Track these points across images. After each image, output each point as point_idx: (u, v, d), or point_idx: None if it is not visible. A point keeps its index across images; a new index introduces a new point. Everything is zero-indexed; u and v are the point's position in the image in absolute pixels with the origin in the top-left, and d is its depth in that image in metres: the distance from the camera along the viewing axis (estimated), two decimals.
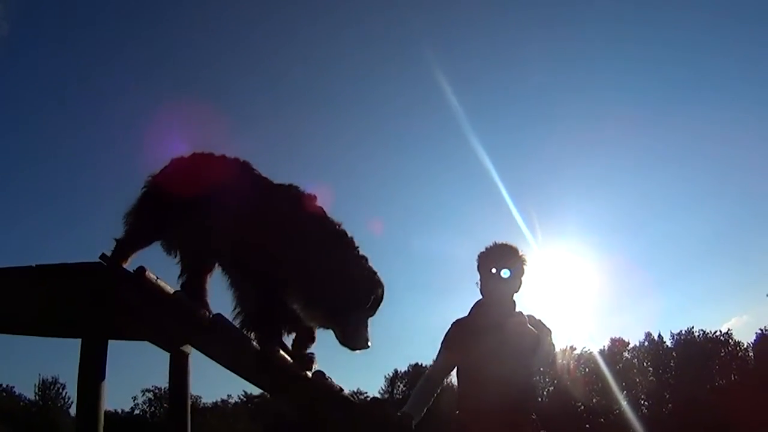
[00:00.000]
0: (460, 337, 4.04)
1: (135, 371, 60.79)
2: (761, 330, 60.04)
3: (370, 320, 3.59)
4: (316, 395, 3.57)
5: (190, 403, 3.87)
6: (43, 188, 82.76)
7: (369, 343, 3.51)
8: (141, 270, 3.42)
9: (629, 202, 78.71)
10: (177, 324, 3.53)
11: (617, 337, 62.21)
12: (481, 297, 4.13)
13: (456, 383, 4.15)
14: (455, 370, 4.08)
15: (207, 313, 3.63)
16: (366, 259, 3.54)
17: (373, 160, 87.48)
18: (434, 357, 4.13)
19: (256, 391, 60.87)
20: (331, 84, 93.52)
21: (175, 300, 3.52)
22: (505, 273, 3.99)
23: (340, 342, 3.48)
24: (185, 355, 3.93)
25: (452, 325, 4.14)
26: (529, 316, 4.08)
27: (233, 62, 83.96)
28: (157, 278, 3.60)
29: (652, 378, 63.42)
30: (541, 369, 3.94)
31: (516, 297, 4.10)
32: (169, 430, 3.81)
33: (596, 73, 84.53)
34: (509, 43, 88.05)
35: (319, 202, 3.70)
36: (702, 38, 79.98)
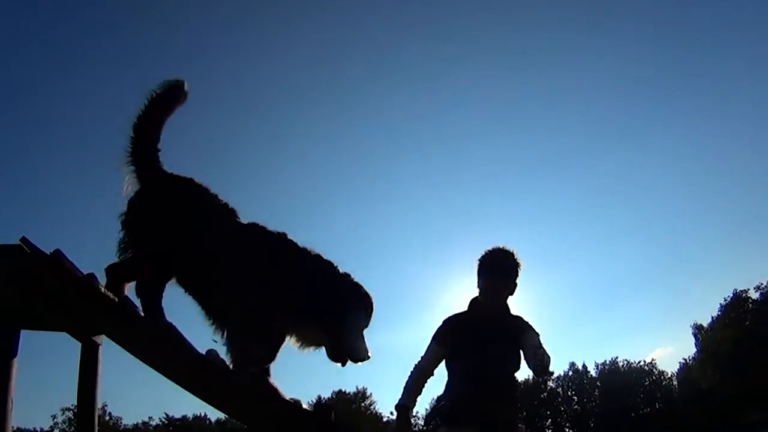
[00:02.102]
0: (452, 331, 4.39)
1: (57, 387, 58.80)
2: (684, 360, 61.70)
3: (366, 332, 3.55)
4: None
5: (99, 394, 3.70)
6: None
7: (369, 354, 3.46)
8: (57, 252, 3.34)
9: (554, 234, 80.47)
10: (87, 306, 3.38)
11: None
12: (477, 294, 4.48)
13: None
14: (444, 362, 4.41)
15: (119, 298, 3.43)
16: (349, 275, 3.50)
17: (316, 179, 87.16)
18: (424, 351, 4.43)
19: (177, 413, 60.35)
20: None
21: (85, 281, 3.40)
22: (502, 275, 4.37)
23: (334, 357, 3.41)
24: (96, 346, 3.75)
25: (445, 320, 4.48)
26: (517, 316, 4.45)
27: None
28: (72, 262, 3.44)
29: (576, 407, 64.42)
30: (537, 372, 4.15)
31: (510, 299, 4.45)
32: (79, 419, 3.73)
33: (539, 108, 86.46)
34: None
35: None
36: (636, 71, 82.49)
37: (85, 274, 3.48)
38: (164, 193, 3.57)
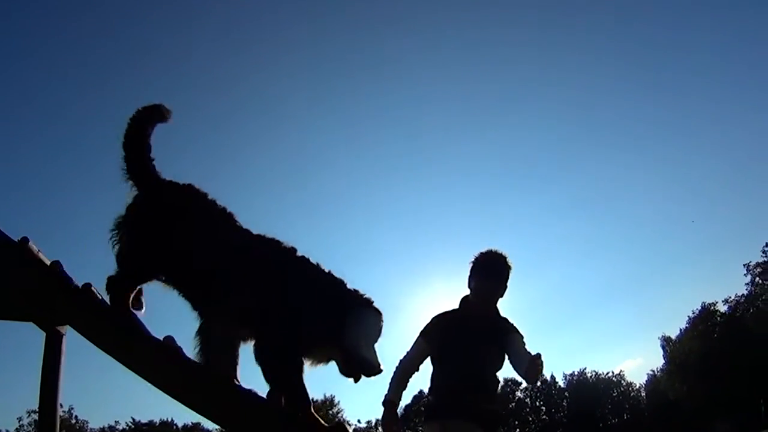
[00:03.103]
0: (439, 329, 4.46)
1: (24, 390, 57.97)
2: (653, 371, 62.34)
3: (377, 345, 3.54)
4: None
5: (61, 384, 3.65)
6: None
7: (382, 367, 3.46)
8: (24, 240, 3.37)
9: (525, 245, 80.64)
10: (51, 294, 3.36)
11: (510, 377, 63.31)
12: (469, 294, 4.56)
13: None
14: (429, 358, 4.46)
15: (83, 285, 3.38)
16: (358, 291, 3.47)
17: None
18: (410, 346, 4.50)
19: (144, 418, 59.84)
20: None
21: (50, 269, 3.38)
22: (497, 279, 4.46)
23: (347, 373, 3.41)
24: (60, 335, 3.69)
25: (435, 317, 4.56)
26: (504, 318, 4.54)
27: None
28: (39, 251, 3.47)
29: (545, 417, 64.81)
30: (531, 381, 4.30)
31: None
32: (40, 411, 3.64)
33: (516, 118, 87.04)
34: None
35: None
36: (617, 86, 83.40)
37: (50, 261, 3.45)
38: (162, 197, 3.56)
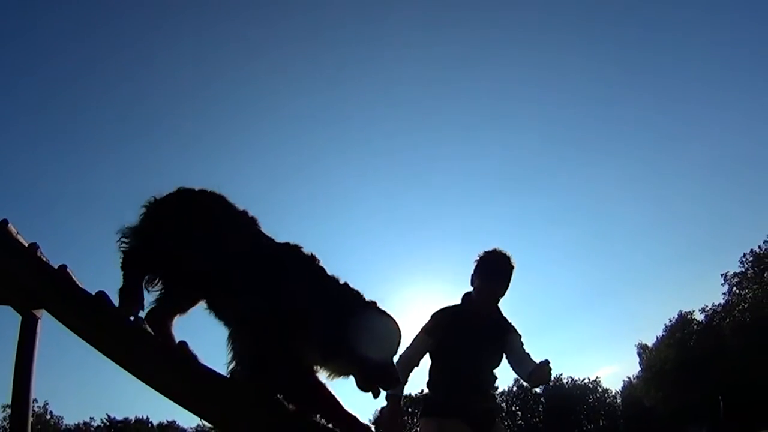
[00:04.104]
0: (442, 325, 4.52)
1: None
2: (628, 378, 62.75)
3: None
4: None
5: (35, 370, 3.62)
6: None
7: (401, 380, 3.48)
8: (4, 222, 3.34)
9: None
10: (27, 277, 3.30)
11: None
12: (471, 290, 4.67)
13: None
14: (428, 354, 4.55)
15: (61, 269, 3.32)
16: (376, 303, 3.39)
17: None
18: (410, 341, 4.57)
19: (120, 415, 59.46)
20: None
21: (27, 250, 3.34)
22: (503, 280, 4.57)
23: (364, 387, 3.30)
24: (35, 319, 3.66)
25: (438, 313, 4.64)
26: (504, 317, 4.70)
27: None
28: (18, 233, 3.44)
29: (521, 422, 65.03)
30: (534, 385, 4.63)
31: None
32: (13, 399, 3.59)
33: (494, 125, 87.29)
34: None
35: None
36: (595, 96, 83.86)
37: (27, 244, 3.40)
38: (178, 201, 3.46)
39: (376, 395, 3.36)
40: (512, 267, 4.57)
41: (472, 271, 4.65)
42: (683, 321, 55.13)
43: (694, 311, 55.05)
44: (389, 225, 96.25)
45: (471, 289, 4.68)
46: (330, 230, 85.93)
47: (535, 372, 4.37)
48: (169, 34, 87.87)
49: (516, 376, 4.80)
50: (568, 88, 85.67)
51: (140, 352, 3.19)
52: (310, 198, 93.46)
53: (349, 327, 3.19)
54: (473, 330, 4.48)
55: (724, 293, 52.74)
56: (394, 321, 3.39)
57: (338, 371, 3.32)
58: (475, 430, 4.38)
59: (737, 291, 51.95)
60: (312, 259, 3.38)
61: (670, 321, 56.04)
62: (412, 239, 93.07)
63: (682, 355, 50.36)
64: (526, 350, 4.60)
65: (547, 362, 4.32)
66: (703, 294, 76.82)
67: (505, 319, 4.71)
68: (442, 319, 4.58)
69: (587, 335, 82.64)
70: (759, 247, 50.73)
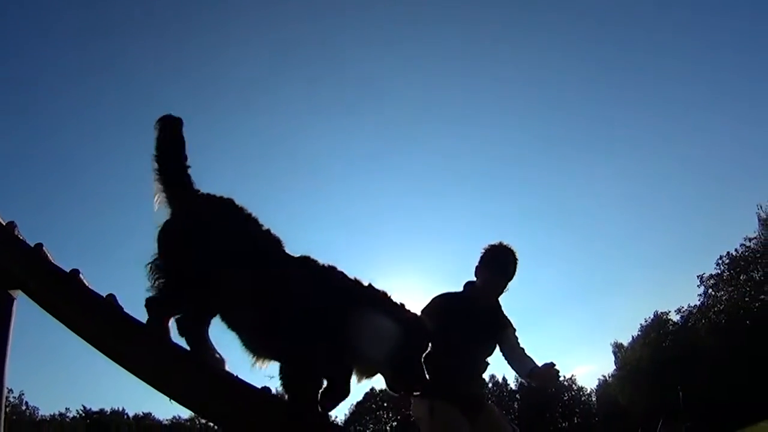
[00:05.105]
0: (446, 310, 4.51)
1: None
2: (604, 377, 63.16)
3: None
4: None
5: (9, 349, 3.54)
6: None
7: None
8: None
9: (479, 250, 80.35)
10: (3, 256, 3.27)
11: None
12: (475, 280, 4.77)
13: None
14: None
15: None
16: (404, 305, 3.36)
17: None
18: None
19: (95, 407, 59.02)
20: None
21: (4, 229, 3.30)
22: (508, 275, 4.69)
23: (394, 389, 3.29)
24: (11, 299, 3.55)
25: (438, 298, 4.73)
26: (502, 310, 4.81)
27: None
28: None
29: None
30: (529, 379, 4.69)
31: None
32: None
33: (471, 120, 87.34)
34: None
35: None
36: (574, 99, 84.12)
37: (5, 222, 3.36)
38: (199, 217, 3.29)
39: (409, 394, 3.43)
40: (517, 262, 4.69)
41: (477, 263, 4.75)
42: (659, 321, 55.61)
43: (669, 312, 55.67)
44: (370, 217, 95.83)
45: (470, 279, 4.81)
46: (310, 220, 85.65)
47: (538, 372, 4.49)
48: (168, 35, 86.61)
49: (508, 372, 4.91)
50: (550, 88, 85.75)
51: (115, 331, 3.13)
52: (288, 188, 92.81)
53: (384, 332, 3.18)
54: (471, 318, 4.57)
55: (700, 295, 53.42)
56: (425, 325, 3.39)
57: (369, 374, 3.32)
58: (465, 413, 4.46)
59: (713, 293, 52.50)
60: (332, 267, 3.31)
61: (646, 321, 56.61)
62: (393, 232, 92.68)
63: (657, 354, 50.77)
64: (522, 345, 4.74)
65: (552, 365, 4.43)
66: (679, 295, 77.33)
67: (503, 312, 4.82)
68: (442, 303, 4.65)
69: (564, 334, 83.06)
70: (735, 249, 51.43)
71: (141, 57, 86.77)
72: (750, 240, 50.71)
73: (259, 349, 3.23)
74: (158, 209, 3.32)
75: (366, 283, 3.31)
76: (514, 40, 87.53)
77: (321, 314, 3.14)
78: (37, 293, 3.25)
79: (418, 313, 4.38)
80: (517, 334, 4.78)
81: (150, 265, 3.20)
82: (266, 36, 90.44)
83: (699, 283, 53.09)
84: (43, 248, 3.30)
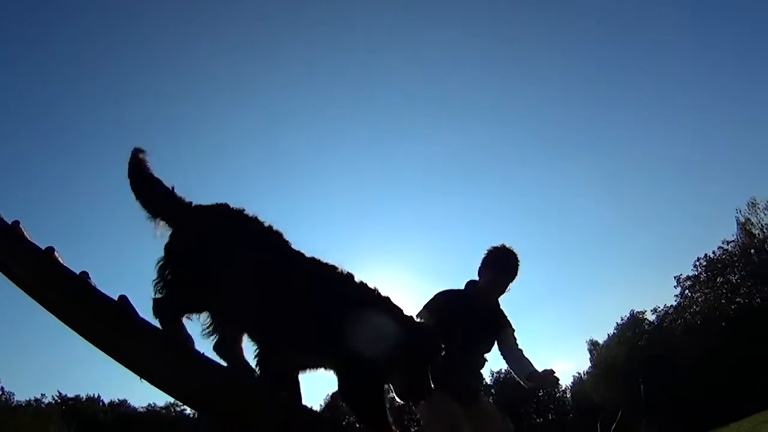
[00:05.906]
0: (447, 307, 4.73)
1: None
2: (579, 374, 63.61)
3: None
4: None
5: None
6: None
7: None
8: None
9: (459, 247, 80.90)
10: None
11: None
12: (477, 279, 4.98)
13: None
14: None
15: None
16: (413, 317, 3.36)
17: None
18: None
19: (71, 393, 58.65)
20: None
21: None
22: (511, 277, 4.87)
23: (403, 397, 3.27)
24: None
25: (440, 294, 4.87)
26: (502, 310, 5.02)
27: None
28: None
29: None
30: (527, 381, 4.79)
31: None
32: None
33: (455, 115, 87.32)
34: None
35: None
36: (555, 97, 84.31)
37: None
38: (198, 227, 3.28)
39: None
40: (519, 263, 4.85)
41: (480, 264, 4.92)
42: (635, 320, 56.07)
43: (645, 311, 56.08)
44: (366, 215, 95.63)
45: (472, 278, 4.98)
46: (306, 216, 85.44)
47: (537, 376, 4.66)
48: (169, 35, 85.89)
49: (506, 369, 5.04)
50: (531, 85, 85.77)
51: (86, 307, 3.06)
52: (283, 184, 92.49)
53: (398, 342, 3.15)
54: (471, 316, 4.74)
55: (677, 295, 53.86)
56: (434, 334, 3.39)
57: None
58: (459, 402, 4.63)
59: (689, 294, 52.93)
60: (350, 276, 3.28)
61: (622, 320, 57.07)
62: (388, 229, 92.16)
63: (631, 353, 51.17)
64: (520, 346, 4.91)
65: (552, 371, 4.63)
66: (656, 295, 78.03)
67: (503, 312, 5.01)
68: (444, 299, 4.83)
69: (540, 331, 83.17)
70: (713, 252, 51.89)
71: (141, 57, 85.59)
72: (728, 243, 51.28)
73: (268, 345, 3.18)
74: (161, 234, 3.32)
75: (372, 287, 3.29)
76: (514, 39, 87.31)
77: (336, 318, 3.09)
78: (6, 265, 3.15)
79: (418, 311, 4.46)
80: (516, 334, 4.95)
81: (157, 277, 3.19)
82: (258, 24, 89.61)
83: (676, 284, 53.64)
84: (20, 225, 3.23)
